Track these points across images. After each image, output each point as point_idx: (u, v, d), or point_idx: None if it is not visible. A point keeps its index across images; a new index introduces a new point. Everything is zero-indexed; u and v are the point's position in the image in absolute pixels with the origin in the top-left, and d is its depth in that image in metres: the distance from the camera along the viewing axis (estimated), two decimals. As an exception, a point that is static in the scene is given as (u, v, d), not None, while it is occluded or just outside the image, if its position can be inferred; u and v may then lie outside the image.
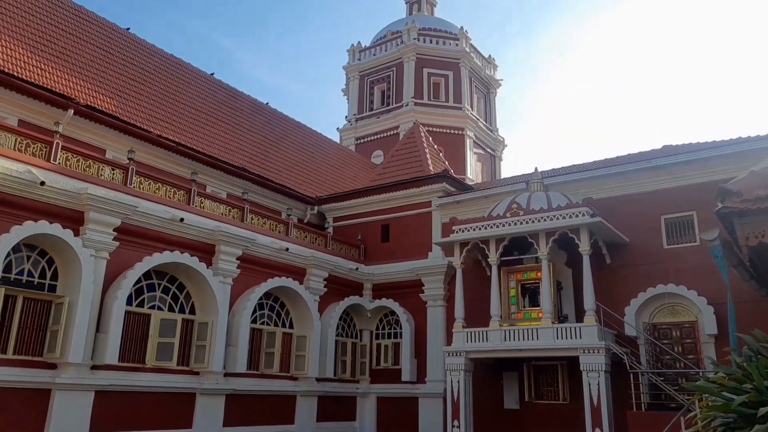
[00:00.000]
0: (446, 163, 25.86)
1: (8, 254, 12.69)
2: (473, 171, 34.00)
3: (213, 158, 20.57)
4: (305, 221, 23.46)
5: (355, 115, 36.27)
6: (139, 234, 15.17)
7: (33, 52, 17.41)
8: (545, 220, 16.87)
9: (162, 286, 15.83)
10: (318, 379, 19.13)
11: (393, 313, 21.24)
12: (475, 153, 34.89)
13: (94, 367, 13.72)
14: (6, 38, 16.87)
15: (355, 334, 21.67)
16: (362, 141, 35.47)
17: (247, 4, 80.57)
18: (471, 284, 18.81)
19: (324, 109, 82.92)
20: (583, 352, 15.58)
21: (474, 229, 18.07)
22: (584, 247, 16.45)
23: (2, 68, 15.61)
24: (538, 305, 17.28)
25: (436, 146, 26.75)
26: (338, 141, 35.00)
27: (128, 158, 16.04)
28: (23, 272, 13.24)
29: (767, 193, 6.91)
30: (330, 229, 23.40)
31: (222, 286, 16.81)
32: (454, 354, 17.59)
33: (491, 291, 17.68)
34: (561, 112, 79.21)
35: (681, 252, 16.71)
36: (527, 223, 17.14)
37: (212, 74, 26.06)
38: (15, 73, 15.79)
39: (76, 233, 13.77)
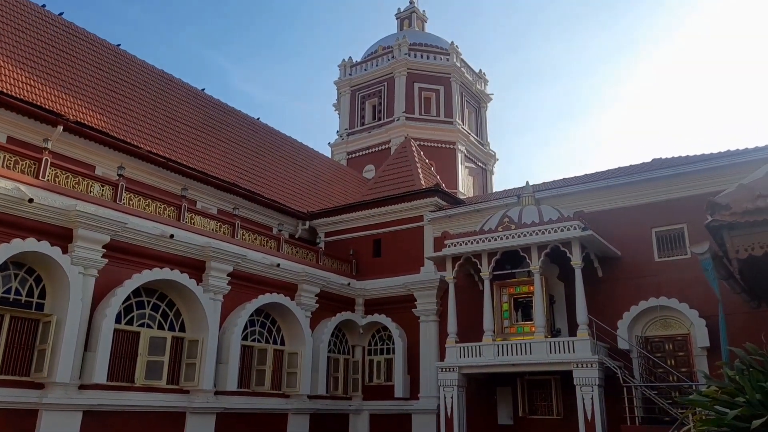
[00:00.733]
0: (438, 177, 25.91)
1: (-5, 272, 12.54)
2: (465, 185, 34.08)
3: (203, 174, 20.48)
4: (296, 236, 23.36)
5: (346, 129, 36.35)
6: (129, 251, 15.04)
7: (22, 68, 17.35)
8: (537, 234, 16.89)
9: (151, 304, 15.67)
10: (310, 397, 18.93)
11: (385, 328, 21.10)
12: (466, 167, 35.00)
13: (82, 387, 13.52)
14: (-5, 55, 16.81)
15: (347, 350, 21.51)
16: (354, 156, 35.51)
17: (238, 19, 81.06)
18: (463, 299, 18.76)
19: (315, 124, 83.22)
20: (577, 367, 15.52)
21: (466, 244, 18.05)
22: (576, 260, 16.46)
23: (-9, 85, 15.53)
24: (531, 319, 17.25)
25: (427, 160, 26.81)
26: (330, 156, 35.03)
27: (118, 174, 15.95)
28: (10, 290, 13.07)
29: (756, 206, 6.95)
30: (321, 245, 23.31)
31: (212, 302, 16.66)
32: (447, 369, 17.47)
33: (484, 305, 17.63)
34: (552, 126, 79.85)
35: (672, 265, 16.75)
36: (519, 237, 17.14)
37: (203, 90, 26.09)
38: (4, 90, 15.70)
39: (65, 251, 13.63)
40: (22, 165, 13.71)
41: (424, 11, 42.04)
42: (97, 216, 14.03)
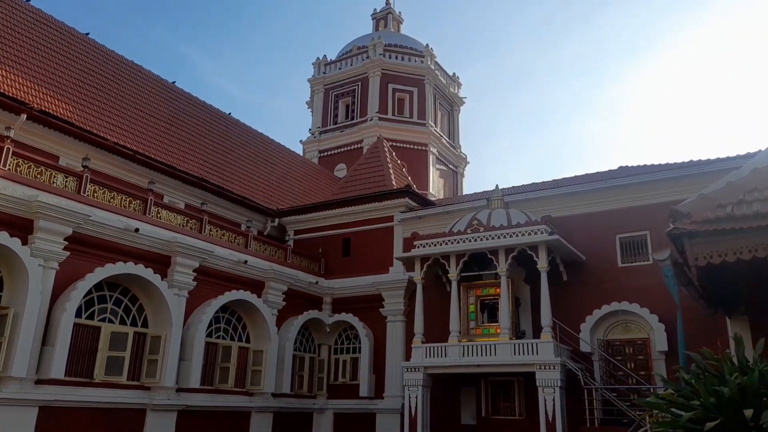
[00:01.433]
0: (409, 178, 25.99)
1: (-50, 262, 12.15)
2: (436, 187, 34.24)
3: (171, 167, 20.15)
4: (265, 234, 23.17)
5: (318, 128, 36.18)
6: (92, 244, 14.73)
7: (-15, 53, 16.83)
8: (504, 237, 17.08)
9: (114, 298, 15.38)
10: (274, 395, 18.81)
11: (352, 327, 21.09)
12: (438, 169, 35.17)
13: (38, 382, 13.21)
14: (-44, 38, 16.27)
15: (313, 348, 21.43)
16: (325, 154, 35.37)
17: (211, 12, 79.98)
18: (431, 299, 18.86)
19: (288, 121, 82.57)
20: (539, 368, 15.74)
21: (435, 245, 18.16)
22: (542, 264, 16.70)
23: (-49, 69, 15.04)
24: (497, 321, 17.44)
25: (399, 161, 26.88)
26: (301, 154, 34.84)
27: (83, 166, 15.59)
28: (-35, 282, 12.68)
29: (716, 215, 7.13)
30: (290, 242, 23.17)
31: (177, 298, 16.42)
32: (413, 369, 17.55)
33: (451, 306, 17.76)
34: (523, 131, 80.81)
35: (635, 270, 17.12)
36: (487, 239, 17.31)
37: (173, 83, 25.66)
38: (-36, 75, 15.23)
39: (24, 242, 13.28)
40: (-18, 153, 13.31)
41: (400, 13, 42.10)
42: (60, 207, 13.70)
